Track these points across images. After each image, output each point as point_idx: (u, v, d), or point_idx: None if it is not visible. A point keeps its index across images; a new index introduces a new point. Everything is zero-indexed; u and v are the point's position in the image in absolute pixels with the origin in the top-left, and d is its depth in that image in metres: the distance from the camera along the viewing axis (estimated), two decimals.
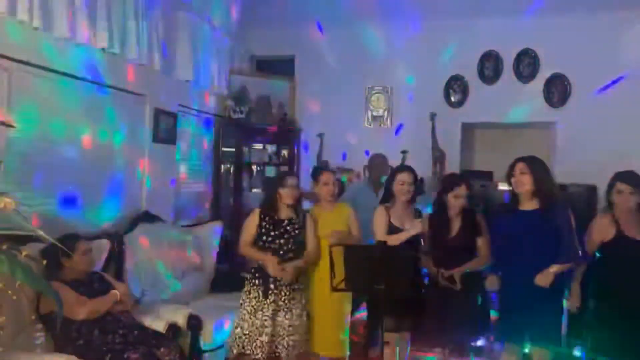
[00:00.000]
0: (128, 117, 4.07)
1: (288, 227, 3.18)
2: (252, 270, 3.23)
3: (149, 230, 4.00)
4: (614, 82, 5.07)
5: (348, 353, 3.42)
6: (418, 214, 3.25)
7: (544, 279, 2.85)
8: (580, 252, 2.93)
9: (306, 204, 3.61)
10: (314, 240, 3.26)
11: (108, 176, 3.88)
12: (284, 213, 3.24)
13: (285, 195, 3.21)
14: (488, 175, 5.31)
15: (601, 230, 3.00)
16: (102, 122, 3.78)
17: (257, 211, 3.27)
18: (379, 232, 3.22)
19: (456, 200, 3.14)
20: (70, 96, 3.50)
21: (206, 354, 3.51)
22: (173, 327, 3.21)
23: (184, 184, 4.97)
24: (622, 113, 5.05)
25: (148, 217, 4.13)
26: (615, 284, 2.92)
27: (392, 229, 3.21)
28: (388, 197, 3.36)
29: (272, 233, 3.15)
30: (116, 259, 3.54)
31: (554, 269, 2.86)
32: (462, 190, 3.14)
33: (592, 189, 4.73)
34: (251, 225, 3.24)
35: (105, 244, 3.46)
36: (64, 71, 3.39)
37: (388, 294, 2.56)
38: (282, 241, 3.13)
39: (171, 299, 3.84)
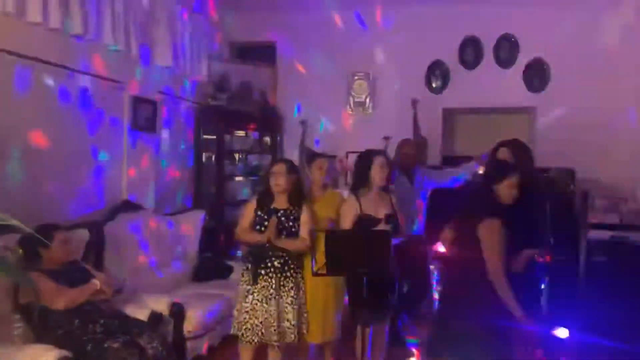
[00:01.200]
0: (106, 105, 4.00)
1: (282, 218, 3.09)
2: (245, 255, 3.16)
3: (129, 219, 3.97)
4: None
5: (339, 336, 3.38)
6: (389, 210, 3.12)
7: (517, 264, 2.84)
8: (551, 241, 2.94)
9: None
10: (306, 229, 3.10)
11: (87, 165, 3.83)
12: (281, 202, 3.12)
13: (273, 184, 3.09)
14: (468, 160, 5.35)
15: None
16: (79, 110, 3.71)
17: (255, 199, 3.20)
18: (346, 223, 3.13)
19: (510, 190, 2.66)
20: (46, 83, 3.43)
21: (189, 342, 3.51)
22: (155, 316, 3.20)
23: (165, 172, 4.92)
24: (600, 97, 5.13)
25: (129, 206, 4.10)
26: None
27: (364, 217, 3.09)
28: (364, 183, 3.19)
29: (265, 223, 3.07)
30: (96, 249, 3.51)
31: (526, 254, 2.86)
32: (516, 178, 2.67)
33: (570, 173, 4.81)
34: (248, 212, 3.16)
35: (84, 233, 3.41)
36: (37, 57, 3.31)
37: (370, 276, 2.58)
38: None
39: (154, 288, 3.82)
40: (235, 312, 3.16)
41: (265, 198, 3.15)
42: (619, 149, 5.10)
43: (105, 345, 2.68)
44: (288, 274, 3.09)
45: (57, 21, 3.37)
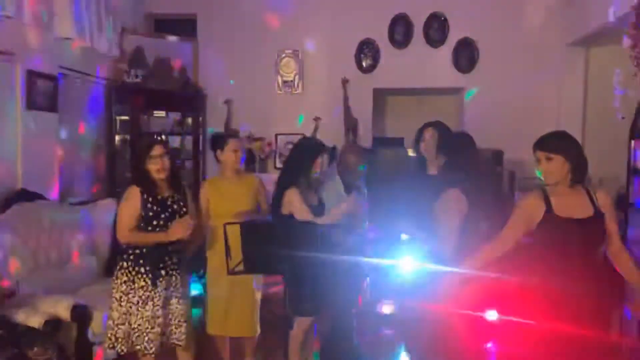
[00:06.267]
0: None
1: (175, 206, 2.73)
2: (134, 257, 2.69)
3: (26, 211, 3.52)
4: None
5: (258, 332, 3.21)
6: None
7: None
8: None
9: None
10: (194, 210, 2.87)
11: None
12: (164, 190, 2.75)
13: (155, 169, 2.67)
14: (399, 142, 5.27)
15: None
16: None
17: (136, 189, 2.68)
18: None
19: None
20: None
21: (97, 347, 3.15)
22: (52, 322, 2.83)
23: (72, 157, 4.44)
24: (525, 78, 5.17)
25: (25, 196, 3.64)
26: None
27: None
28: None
29: (162, 215, 2.67)
30: None
31: None
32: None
33: (499, 154, 4.82)
34: (133, 207, 2.67)
35: None
36: None
37: (291, 273, 2.36)
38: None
39: (57, 288, 3.41)
40: (125, 326, 2.68)
41: (149, 187, 2.70)
42: (543, 129, 5.12)
43: None
44: (178, 267, 2.79)
45: None
